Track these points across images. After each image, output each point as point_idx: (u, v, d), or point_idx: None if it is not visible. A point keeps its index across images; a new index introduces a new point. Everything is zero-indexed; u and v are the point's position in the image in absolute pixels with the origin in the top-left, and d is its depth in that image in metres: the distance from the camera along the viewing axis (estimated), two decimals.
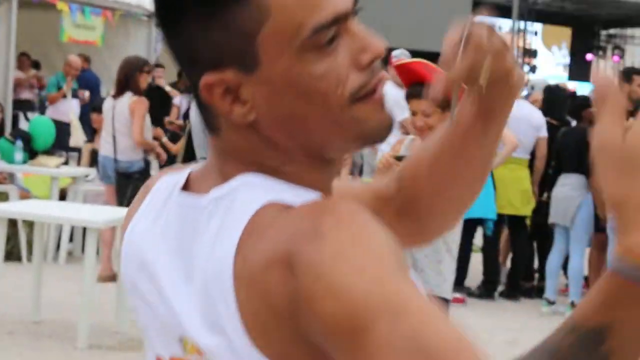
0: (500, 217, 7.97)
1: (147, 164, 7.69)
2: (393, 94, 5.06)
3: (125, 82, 7.49)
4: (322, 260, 0.95)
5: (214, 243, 1.05)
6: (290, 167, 1.11)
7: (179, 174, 1.19)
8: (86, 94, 12.78)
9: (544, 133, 8.12)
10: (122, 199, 7.28)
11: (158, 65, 12.24)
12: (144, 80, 7.56)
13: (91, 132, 9.56)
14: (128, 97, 7.46)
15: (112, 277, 7.01)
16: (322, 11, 1.05)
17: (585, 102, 8.12)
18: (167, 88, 12.33)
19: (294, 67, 1.06)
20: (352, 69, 1.08)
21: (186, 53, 1.10)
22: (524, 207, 8.16)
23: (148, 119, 7.62)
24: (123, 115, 7.46)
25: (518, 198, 8.10)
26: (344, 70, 1.07)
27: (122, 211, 6.23)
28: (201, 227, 1.08)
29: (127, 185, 7.26)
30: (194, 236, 1.09)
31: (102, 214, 6.40)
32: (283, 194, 1.07)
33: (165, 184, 1.19)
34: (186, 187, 1.16)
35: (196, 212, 1.10)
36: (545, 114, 8.25)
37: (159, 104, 10.24)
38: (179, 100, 11.83)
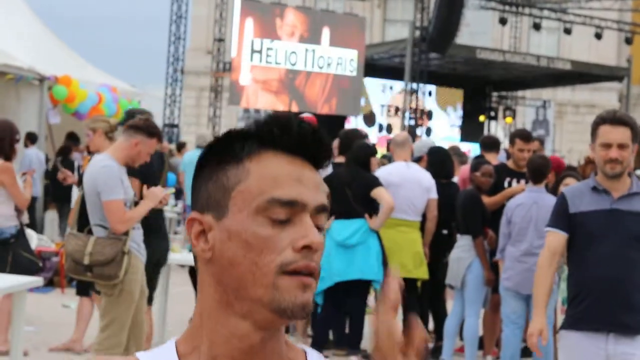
0: None
1: (21, 225, 7.36)
2: None
3: None
4: None
5: None
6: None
7: None
8: None
9: (434, 194, 8.21)
10: (2, 265, 6.95)
11: None
12: (15, 150, 7.27)
13: None
14: None
15: (6, 352, 6.76)
16: (284, 191, 1.31)
17: (474, 166, 8.19)
18: None
19: (246, 223, 1.31)
20: (289, 248, 1.30)
21: (194, 195, 1.37)
22: (416, 270, 8.14)
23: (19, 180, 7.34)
24: None
25: (410, 260, 8.08)
26: (282, 244, 1.30)
27: (2, 278, 6.12)
28: None
29: (5, 251, 7.03)
30: None
31: None
32: None
33: None
34: None
35: None
36: (434, 175, 8.35)
37: None
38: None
